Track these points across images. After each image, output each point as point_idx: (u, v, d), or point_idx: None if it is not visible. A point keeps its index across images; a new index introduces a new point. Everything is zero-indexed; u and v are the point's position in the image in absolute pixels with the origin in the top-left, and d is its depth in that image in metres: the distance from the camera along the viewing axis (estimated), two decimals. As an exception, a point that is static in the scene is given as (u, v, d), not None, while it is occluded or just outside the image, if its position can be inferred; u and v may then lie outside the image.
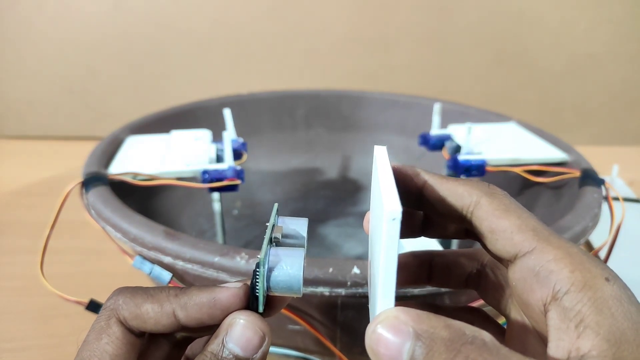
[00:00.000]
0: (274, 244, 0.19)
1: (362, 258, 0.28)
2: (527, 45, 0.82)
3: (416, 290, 0.28)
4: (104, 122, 0.84)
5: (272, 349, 0.34)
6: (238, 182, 0.38)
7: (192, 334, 0.21)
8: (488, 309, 0.24)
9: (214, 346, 0.17)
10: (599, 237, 0.38)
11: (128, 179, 0.37)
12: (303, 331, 0.32)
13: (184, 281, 0.31)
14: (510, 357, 0.14)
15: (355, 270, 0.28)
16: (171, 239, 0.30)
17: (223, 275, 0.28)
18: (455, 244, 0.51)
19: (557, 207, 0.43)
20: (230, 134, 0.41)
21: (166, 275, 0.31)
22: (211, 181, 0.38)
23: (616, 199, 0.37)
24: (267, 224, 0.19)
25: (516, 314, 0.20)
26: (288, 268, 0.18)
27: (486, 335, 0.14)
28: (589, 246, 0.52)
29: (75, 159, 0.47)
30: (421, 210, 0.21)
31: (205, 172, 0.38)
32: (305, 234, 0.19)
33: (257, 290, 0.17)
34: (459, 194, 0.19)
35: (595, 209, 0.36)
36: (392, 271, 0.15)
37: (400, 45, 0.82)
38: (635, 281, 0.52)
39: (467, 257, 0.22)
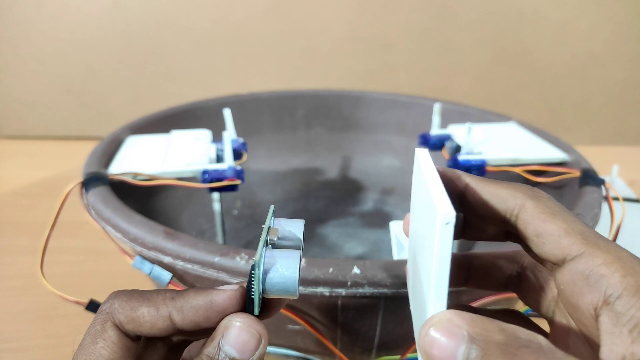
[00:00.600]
0: (270, 246, 0.19)
1: (363, 258, 0.28)
2: (527, 45, 0.82)
3: (416, 290, 0.28)
4: (104, 122, 0.84)
5: (272, 349, 0.34)
6: (238, 182, 0.38)
7: (189, 337, 0.21)
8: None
9: (210, 349, 0.17)
10: (599, 237, 0.38)
11: (128, 179, 0.37)
12: (303, 331, 0.32)
13: (184, 281, 0.31)
14: None
15: (356, 270, 0.28)
16: (171, 239, 0.30)
17: (223, 276, 0.28)
18: (456, 245, 0.51)
19: (557, 207, 0.43)
20: (230, 134, 0.41)
21: (166, 276, 0.31)
22: (211, 181, 0.38)
23: (616, 199, 0.37)
24: (263, 226, 0.19)
25: (561, 316, 0.20)
26: (284, 270, 0.18)
27: (541, 339, 0.14)
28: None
29: (75, 159, 0.47)
30: (461, 212, 0.21)
31: (205, 172, 0.38)
32: (301, 236, 0.19)
33: (252, 293, 0.17)
34: (502, 197, 0.19)
35: (595, 209, 0.36)
36: (445, 274, 0.15)
37: (400, 45, 0.82)
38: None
39: (506, 259, 0.22)
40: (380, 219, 0.61)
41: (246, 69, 0.84)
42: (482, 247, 0.50)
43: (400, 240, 0.34)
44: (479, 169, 0.42)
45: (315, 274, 0.27)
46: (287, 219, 0.20)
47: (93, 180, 0.36)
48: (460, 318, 0.15)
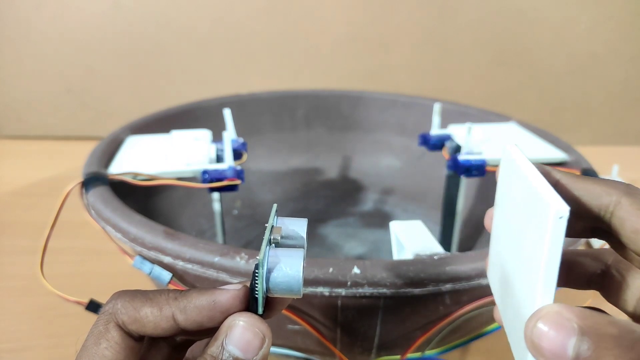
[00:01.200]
0: (273, 245, 0.18)
1: (363, 258, 0.28)
2: (527, 44, 0.82)
3: (416, 290, 0.28)
4: (104, 122, 0.84)
5: (272, 349, 0.34)
6: (238, 182, 0.38)
7: (192, 337, 0.21)
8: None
9: (213, 348, 0.17)
10: (599, 237, 0.38)
11: (128, 179, 0.37)
12: (303, 331, 0.32)
13: (184, 281, 0.31)
14: None
15: (356, 270, 0.28)
16: (171, 239, 0.30)
17: (223, 276, 0.28)
18: (456, 240, 0.51)
19: (557, 207, 0.43)
20: (230, 134, 0.41)
21: (166, 276, 0.31)
22: (211, 181, 0.38)
23: (616, 199, 0.37)
24: (266, 225, 0.19)
25: None
26: (287, 269, 0.17)
27: None
28: (589, 246, 0.52)
29: (75, 159, 0.47)
30: None
31: (205, 172, 0.38)
32: (304, 235, 0.19)
33: (256, 292, 0.17)
34: (595, 193, 0.18)
35: (596, 209, 0.36)
36: (555, 268, 0.15)
37: (400, 45, 0.82)
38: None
39: (591, 257, 0.22)
40: (380, 219, 0.61)
41: (246, 69, 0.84)
42: (482, 245, 0.50)
43: (400, 240, 0.34)
44: (478, 169, 0.42)
45: (315, 274, 0.27)
46: (290, 218, 0.20)
47: (93, 180, 0.36)
48: (569, 311, 0.15)
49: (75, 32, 0.80)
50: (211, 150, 0.43)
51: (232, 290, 0.18)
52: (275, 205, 0.20)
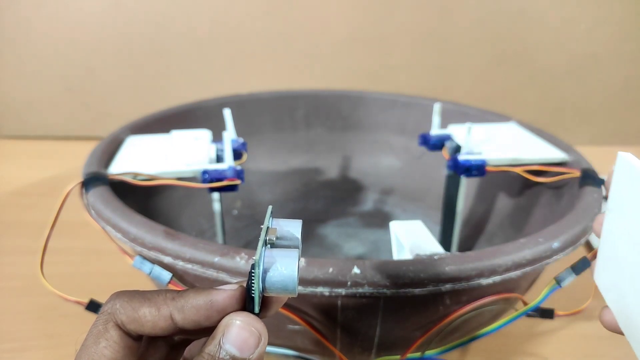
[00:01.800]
0: (269, 245, 0.19)
1: (363, 258, 0.28)
2: (527, 45, 0.82)
3: (416, 290, 0.28)
4: (104, 122, 0.83)
5: (272, 349, 0.34)
6: (238, 182, 0.38)
7: (190, 336, 0.21)
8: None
9: (211, 347, 0.18)
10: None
11: (128, 179, 0.37)
12: (303, 331, 0.32)
13: (184, 281, 0.31)
14: None
15: (355, 270, 0.28)
16: (171, 239, 0.30)
17: (223, 276, 0.28)
18: (456, 240, 0.51)
19: (557, 207, 0.43)
20: (230, 134, 0.41)
21: (166, 276, 0.31)
22: (211, 181, 0.38)
23: (616, 199, 0.37)
24: (262, 226, 0.19)
25: None
26: (283, 269, 0.18)
27: None
28: (589, 246, 0.52)
29: (75, 159, 0.47)
30: None
31: (205, 172, 0.38)
32: (299, 235, 0.20)
33: (252, 292, 0.18)
34: None
35: (595, 209, 0.36)
36: None
37: (400, 45, 0.82)
38: (636, 281, 0.52)
39: None
40: (380, 219, 0.61)
41: (246, 69, 0.84)
42: (482, 245, 0.50)
43: (400, 240, 0.34)
44: (478, 169, 0.42)
45: (315, 274, 0.27)
46: (285, 219, 0.20)
47: (93, 180, 0.36)
48: None
49: (75, 32, 0.80)
50: (211, 150, 0.43)
51: (229, 290, 0.19)
52: (270, 207, 0.20)
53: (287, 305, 0.30)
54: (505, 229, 0.50)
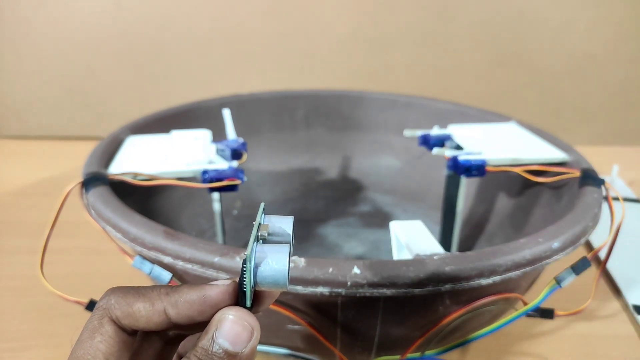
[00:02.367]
0: (261, 241, 0.19)
1: (363, 258, 0.28)
2: (527, 45, 0.82)
3: (416, 290, 0.28)
4: (104, 122, 0.84)
5: (272, 349, 0.34)
6: (238, 182, 0.38)
7: (184, 331, 0.21)
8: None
9: (204, 342, 0.18)
10: (599, 237, 0.38)
11: (128, 179, 0.37)
12: (303, 331, 0.32)
13: (183, 281, 0.31)
14: None
15: (356, 270, 0.28)
16: (171, 239, 0.30)
17: (223, 276, 0.28)
18: (456, 240, 0.51)
19: (557, 207, 0.43)
20: (230, 134, 0.41)
21: (166, 275, 0.31)
22: (211, 181, 0.38)
23: (616, 199, 0.37)
24: (254, 222, 0.19)
25: None
26: (274, 263, 0.18)
27: None
28: (589, 246, 0.52)
29: (75, 159, 0.47)
30: None
31: (205, 172, 0.38)
32: (290, 231, 0.20)
33: (244, 286, 0.18)
34: None
35: (595, 209, 0.36)
36: None
37: (400, 45, 0.82)
38: (636, 281, 0.52)
39: None
40: (380, 219, 0.61)
41: (246, 69, 0.84)
42: (482, 245, 0.50)
43: (400, 240, 0.34)
44: (479, 169, 0.42)
45: (315, 274, 0.27)
46: (277, 216, 0.20)
47: (93, 180, 0.36)
48: None
49: (75, 32, 0.80)
50: (211, 150, 0.43)
51: (222, 286, 0.19)
52: (262, 204, 0.20)
53: (287, 305, 0.30)
54: (505, 229, 0.50)
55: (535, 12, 0.80)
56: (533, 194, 0.47)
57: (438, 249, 0.32)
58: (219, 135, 0.47)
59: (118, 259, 0.34)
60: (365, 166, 0.65)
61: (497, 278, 0.29)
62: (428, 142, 0.48)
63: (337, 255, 0.55)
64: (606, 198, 0.37)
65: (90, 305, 0.33)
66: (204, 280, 0.30)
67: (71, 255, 0.51)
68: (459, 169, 0.42)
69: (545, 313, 0.36)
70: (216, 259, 0.28)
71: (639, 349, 0.41)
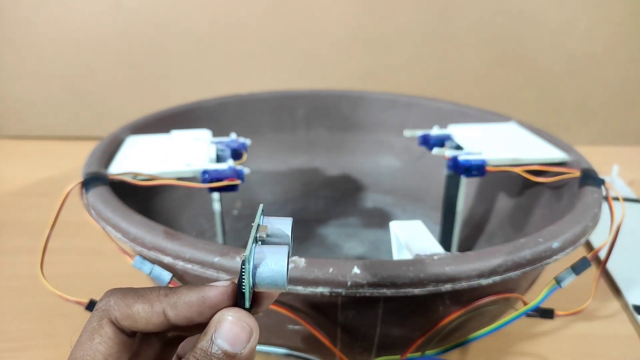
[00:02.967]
0: (260, 242, 0.19)
1: (363, 258, 0.28)
2: (527, 45, 0.82)
3: (416, 290, 0.28)
4: (104, 122, 0.84)
5: (272, 349, 0.34)
6: (238, 182, 0.38)
7: (183, 333, 0.21)
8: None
9: (203, 343, 0.18)
10: (599, 237, 0.38)
11: (128, 179, 0.37)
12: (303, 331, 0.32)
13: (183, 281, 0.31)
14: None
15: (355, 270, 0.28)
16: (171, 239, 0.30)
17: (223, 276, 0.28)
18: (456, 240, 0.51)
19: (557, 207, 0.43)
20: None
21: (166, 276, 0.31)
22: (211, 181, 0.38)
23: (616, 199, 0.37)
24: (252, 224, 0.19)
25: None
26: (272, 264, 0.18)
27: None
28: (589, 246, 0.52)
29: (75, 159, 0.47)
30: None
31: (205, 172, 0.38)
32: (289, 233, 0.20)
33: (243, 287, 0.18)
34: None
35: (595, 209, 0.36)
36: None
37: (401, 45, 0.82)
38: (636, 281, 0.52)
39: None
40: (380, 219, 0.61)
41: (246, 69, 0.84)
42: (482, 245, 0.50)
43: (400, 240, 0.34)
44: (479, 169, 0.42)
45: (315, 274, 0.27)
46: (276, 217, 0.20)
47: (93, 180, 0.36)
48: None
49: (75, 33, 0.80)
50: (211, 150, 0.43)
51: (221, 287, 0.19)
52: (261, 205, 0.20)
53: (288, 306, 0.30)
54: (505, 229, 0.50)
55: (535, 12, 0.80)
56: (533, 194, 0.47)
57: (438, 249, 0.32)
58: (219, 135, 0.47)
59: (118, 259, 0.34)
60: (365, 166, 0.65)
61: (497, 278, 0.29)
62: (428, 142, 0.48)
63: (337, 256, 0.55)
64: (606, 198, 0.37)
65: (90, 306, 0.33)
66: (204, 281, 0.30)
67: (71, 255, 0.51)
68: (459, 169, 0.42)
69: (545, 313, 0.36)
70: (216, 259, 0.28)
71: (639, 349, 0.41)
